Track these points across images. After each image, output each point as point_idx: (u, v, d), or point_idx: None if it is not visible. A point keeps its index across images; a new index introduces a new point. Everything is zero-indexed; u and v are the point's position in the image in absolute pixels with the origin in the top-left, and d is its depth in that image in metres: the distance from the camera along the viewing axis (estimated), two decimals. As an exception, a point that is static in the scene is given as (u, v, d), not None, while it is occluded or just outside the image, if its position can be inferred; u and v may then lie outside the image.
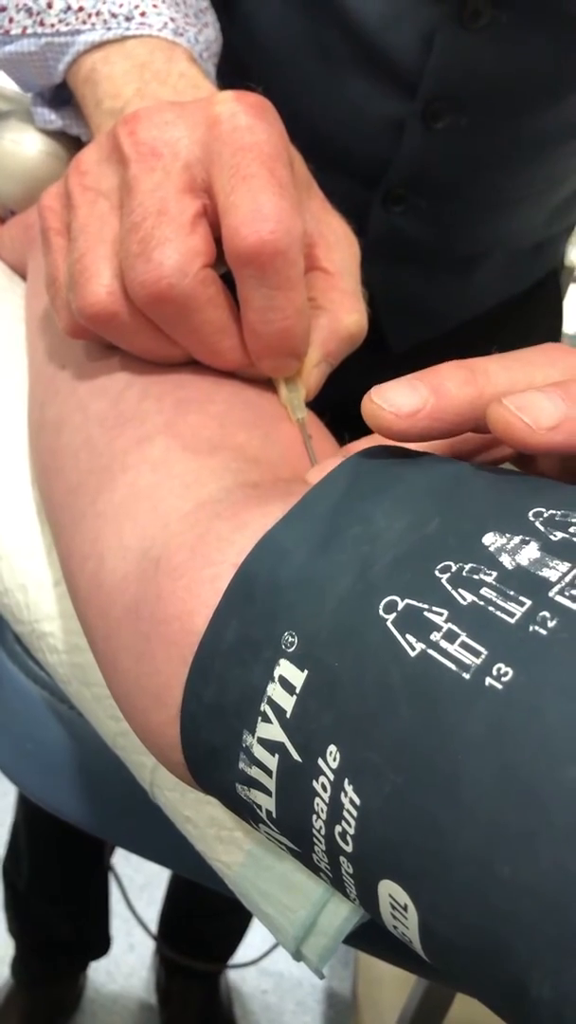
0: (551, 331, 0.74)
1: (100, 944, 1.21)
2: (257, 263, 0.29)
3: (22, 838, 1.09)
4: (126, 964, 1.32)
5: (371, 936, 0.32)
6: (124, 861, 1.30)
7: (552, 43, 0.47)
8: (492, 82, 0.49)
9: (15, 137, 0.49)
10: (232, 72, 0.46)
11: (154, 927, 1.23)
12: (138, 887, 1.34)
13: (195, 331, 0.31)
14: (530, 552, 0.20)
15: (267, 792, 0.22)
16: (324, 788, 0.20)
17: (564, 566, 0.19)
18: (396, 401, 0.24)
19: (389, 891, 0.19)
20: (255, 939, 1.23)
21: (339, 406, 0.39)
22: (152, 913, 1.24)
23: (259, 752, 0.22)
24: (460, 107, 0.50)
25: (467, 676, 0.18)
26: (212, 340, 0.32)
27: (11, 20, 0.42)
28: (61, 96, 0.45)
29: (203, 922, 1.20)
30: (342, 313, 0.34)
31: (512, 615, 0.18)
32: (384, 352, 0.64)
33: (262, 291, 0.30)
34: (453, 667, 0.18)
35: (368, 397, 0.24)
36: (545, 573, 0.19)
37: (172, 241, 0.29)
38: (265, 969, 1.30)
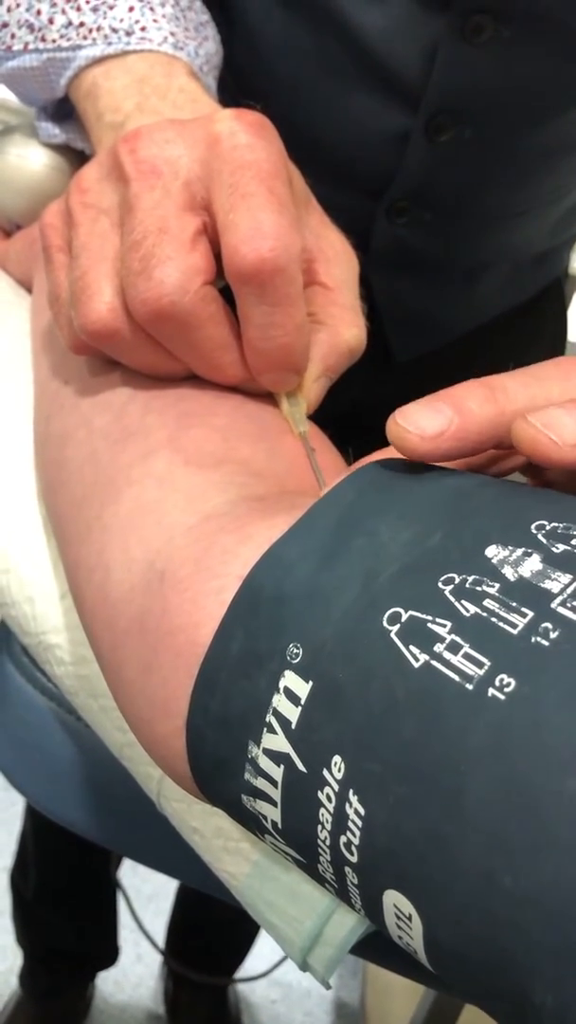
0: (555, 340, 0.74)
1: (108, 954, 1.20)
2: (257, 281, 0.29)
3: (30, 848, 1.09)
4: (134, 974, 1.32)
5: (377, 946, 0.32)
6: (131, 872, 1.30)
7: (555, 57, 0.47)
8: (495, 96, 0.49)
9: (20, 152, 0.49)
10: (235, 86, 0.46)
11: (161, 938, 1.22)
12: (145, 898, 1.34)
13: (196, 347, 0.32)
14: (532, 564, 0.20)
15: (273, 803, 0.22)
16: (329, 799, 0.20)
17: (566, 578, 0.19)
18: (421, 423, 0.24)
19: (394, 901, 0.19)
20: (264, 950, 1.22)
21: (345, 417, 0.40)
22: (159, 924, 1.23)
23: (264, 763, 0.22)
24: (463, 120, 0.50)
25: (470, 687, 0.18)
26: (213, 356, 0.32)
27: (13, 36, 0.42)
28: (64, 110, 0.46)
29: (210, 934, 1.20)
30: (342, 328, 0.34)
31: (515, 626, 0.19)
32: (388, 363, 0.64)
33: (262, 308, 0.30)
34: (456, 678, 0.18)
35: (393, 419, 0.24)
36: (547, 585, 0.19)
37: (173, 259, 0.30)
38: (274, 979, 1.30)
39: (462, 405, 0.24)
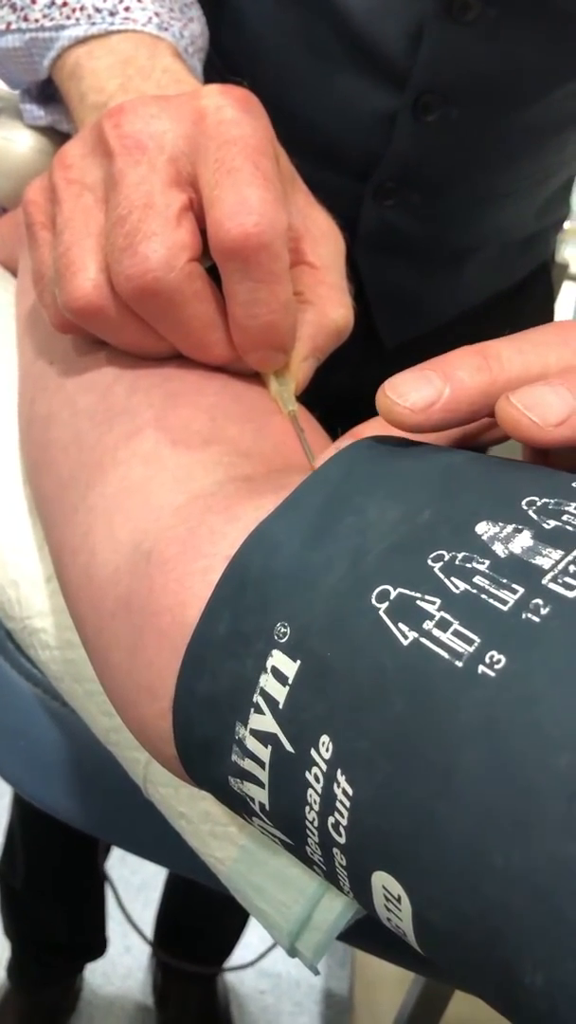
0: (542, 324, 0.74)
1: (96, 946, 1.20)
2: (241, 256, 0.29)
3: (17, 838, 1.08)
4: (122, 966, 1.32)
5: (365, 932, 0.32)
6: (120, 863, 1.30)
7: (542, 37, 0.47)
8: (482, 75, 0.49)
9: (6, 134, 0.49)
10: (222, 66, 0.46)
11: (149, 930, 1.22)
12: (134, 889, 1.34)
13: (181, 325, 0.31)
14: (523, 540, 0.19)
15: (260, 784, 0.22)
16: (317, 779, 0.20)
17: (557, 554, 0.19)
18: (410, 395, 0.23)
19: (383, 882, 0.19)
20: (253, 939, 1.22)
21: (334, 401, 0.39)
22: (148, 916, 1.23)
23: (252, 744, 0.22)
24: (450, 100, 0.50)
25: (460, 664, 0.18)
26: (199, 334, 0.32)
27: None
28: (48, 92, 0.45)
29: (199, 924, 1.20)
30: (329, 307, 0.34)
31: (505, 603, 0.18)
32: (377, 347, 0.64)
33: (247, 284, 0.30)
34: (446, 655, 0.18)
35: (382, 391, 0.24)
36: (538, 561, 0.19)
37: (158, 235, 0.29)
38: (263, 970, 1.30)
39: (453, 374, 0.24)
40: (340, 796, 0.20)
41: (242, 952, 1.21)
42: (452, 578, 0.19)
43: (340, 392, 0.52)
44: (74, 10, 0.39)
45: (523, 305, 0.70)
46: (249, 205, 0.29)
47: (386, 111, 0.51)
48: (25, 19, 0.41)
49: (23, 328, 0.40)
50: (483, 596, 0.19)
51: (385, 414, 0.24)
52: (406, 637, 0.19)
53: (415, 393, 0.23)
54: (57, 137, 0.48)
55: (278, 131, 0.33)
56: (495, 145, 0.54)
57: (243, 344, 0.32)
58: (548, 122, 0.54)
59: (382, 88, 0.50)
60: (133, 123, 0.31)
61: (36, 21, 0.40)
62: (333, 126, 0.53)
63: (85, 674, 0.36)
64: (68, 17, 0.39)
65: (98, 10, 0.39)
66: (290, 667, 0.21)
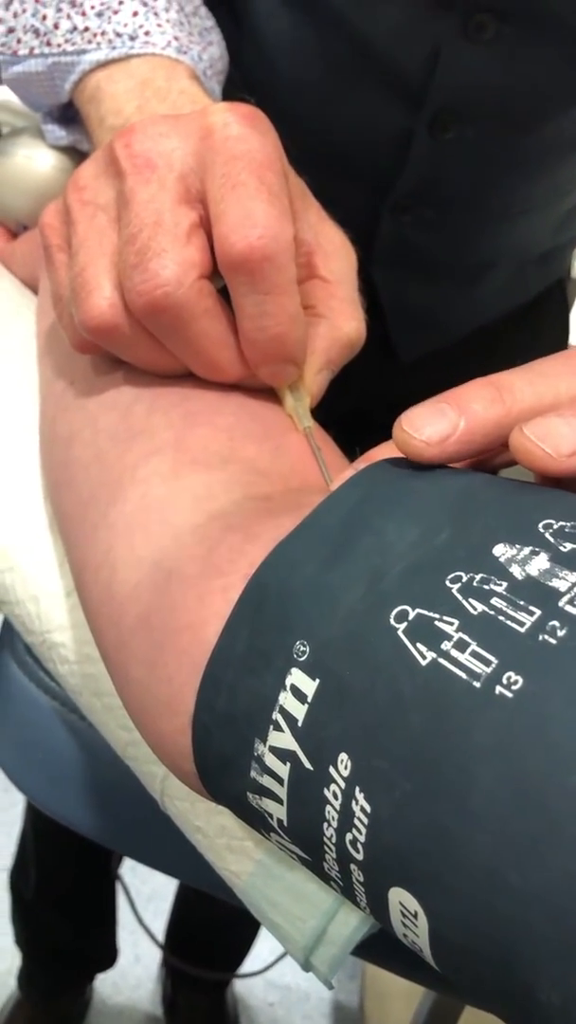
0: (557, 340, 0.74)
1: (107, 955, 1.20)
2: (246, 269, 0.29)
3: (30, 848, 1.09)
4: (132, 976, 1.32)
5: (380, 947, 0.32)
6: (131, 872, 1.30)
7: (557, 56, 0.47)
8: (498, 94, 0.49)
9: (28, 153, 0.49)
10: (243, 85, 0.46)
11: (161, 939, 1.22)
12: (145, 898, 1.34)
13: (192, 342, 0.31)
14: (540, 563, 0.20)
15: (278, 800, 0.22)
16: (335, 796, 0.20)
17: (574, 576, 0.19)
18: (425, 429, 0.24)
19: (399, 899, 0.19)
20: (262, 950, 1.22)
21: (351, 416, 0.40)
22: (159, 925, 1.23)
23: (271, 760, 0.22)
24: (466, 119, 0.50)
25: (477, 684, 0.18)
26: (209, 352, 0.32)
27: (19, 41, 0.42)
28: (69, 113, 0.46)
29: (210, 933, 1.19)
30: (341, 320, 0.34)
31: (522, 624, 0.19)
32: (393, 361, 0.65)
33: (254, 297, 0.30)
34: (464, 676, 0.19)
35: (398, 424, 0.24)
36: (555, 583, 0.19)
37: (168, 252, 0.30)
38: (272, 981, 1.30)
39: (467, 407, 0.24)
40: (358, 813, 0.20)
41: (251, 962, 1.21)
42: (470, 599, 0.20)
43: (358, 406, 0.52)
44: (95, 35, 0.40)
45: (539, 320, 0.71)
46: (253, 218, 0.29)
47: (403, 129, 0.51)
48: (48, 44, 0.41)
49: (43, 348, 0.41)
50: (500, 617, 0.19)
51: (402, 447, 0.24)
52: (424, 657, 0.19)
53: (430, 427, 0.24)
54: (78, 156, 0.49)
55: (296, 146, 0.33)
56: (512, 163, 0.54)
57: (254, 358, 0.32)
58: (565, 140, 0.54)
59: (399, 106, 0.50)
60: (143, 142, 0.31)
61: (59, 46, 0.41)
62: (350, 143, 0.53)
63: (103, 688, 0.36)
64: (89, 42, 0.40)
65: (119, 35, 0.40)
66: (309, 685, 0.21)
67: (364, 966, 1.20)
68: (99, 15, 0.40)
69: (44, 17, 0.41)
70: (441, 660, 0.19)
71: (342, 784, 0.20)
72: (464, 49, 0.47)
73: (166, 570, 0.26)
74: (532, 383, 0.25)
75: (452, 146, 0.52)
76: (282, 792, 0.22)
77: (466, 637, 0.19)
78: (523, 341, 0.69)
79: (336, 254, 0.35)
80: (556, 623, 0.18)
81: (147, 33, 0.40)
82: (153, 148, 0.31)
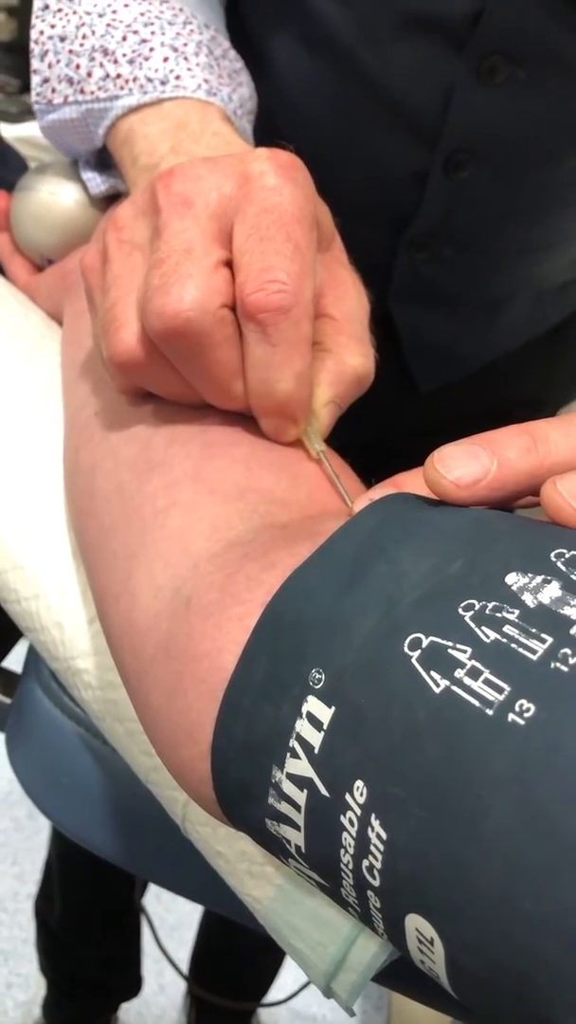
0: None
1: (131, 985, 1.20)
2: (258, 320, 0.30)
3: (55, 876, 1.09)
4: (156, 1005, 1.31)
5: (400, 973, 0.32)
6: (155, 901, 1.30)
7: (570, 97, 0.48)
8: (512, 135, 0.50)
9: (53, 188, 0.50)
10: (263, 128, 0.47)
11: (185, 968, 1.21)
12: (169, 928, 1.33)
13: (208, 370, 0.31)
14: (552, 591, 0.20)
15: (296, 827, 0.23)
16: (351, 823, 0.21)
17: (585, 605, 0.19)
18: (456, 470, 0.24)
19: (416, 925, 0.20)
20: (287, 979, 1.21)
21: (371, 444, 0.40)
22: (183, 954, 1.22)
23: (288, 787, 0.22)
24: (481, 159, 0.51)
25: (490, 712, 0.18)
26: (223, 381, 0.32)
27: (53, 90, 0.44)
28: (104, 159, 0.47)
29: (234, 963, 1.19)
30: (347, 355, 0.34)
31: (534, 652, 0.19)
32: (413, 391, 0.65)
33: (263, 347, 0.30)
34: (477, 703, 0.19)
35: (430, 462, 0.24)
36: (566, 611, 0.19)
37: (193, 277, 0.30)
38: (297, 1011, 1.28)
39: (501, 454, 0.24)
40: (374, 840, 0.20)
41: (275, 992, 1.20)
42: (483, 627, 0.20)
43: (378, 434, 0.52)
44: (127, 81, 0.41)
45: (558, 349, 0.71)
46: (274, 272, 0.29)
47: (418, 169, 0.52)
48: (81, 92, 0.42)
49: (68, 378, 0.42)
50: (513, 645, 0.19)
51: (432, 486, 0.24)
52: (438, 685, 0.20)
53: (462, 469, 0.24)
54: (102, 192, 0.50)
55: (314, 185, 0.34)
56: (527, 201, 0.54)
57: (256, 409, 0.32)
58: None
59: (414, 147, 0.51)
60: (183, 183, 0.32)
61: (92, 93, 0.42)
62: (367, 183, 0.54)
63: (126, 714, 0.36)
64: (122, 88, 0.41)
65: (150, 80, 0.41)
66: (325, 713, 0.22)
67: (391, 997, 1.18)
68: (131, 62, 0.41)
69: (78, 66, 0.42)
70: (454, 688, 0.19)
71: (358, 811, 0.20)
72: (476, 91, 0.47)
73: (185, 598, 0.27)
74: (568, 436, 0.25)
75: (468, 185, 0.52)
76: (299, 819, 0.22)
77: (479, 665, 0.19)
78: (542, 370, 0.70)
79: (347, 295, 0.35)
80: (568, 651, 0.19)
81: (177, 77, 0.41)
82: (192, 188, 0.31)
